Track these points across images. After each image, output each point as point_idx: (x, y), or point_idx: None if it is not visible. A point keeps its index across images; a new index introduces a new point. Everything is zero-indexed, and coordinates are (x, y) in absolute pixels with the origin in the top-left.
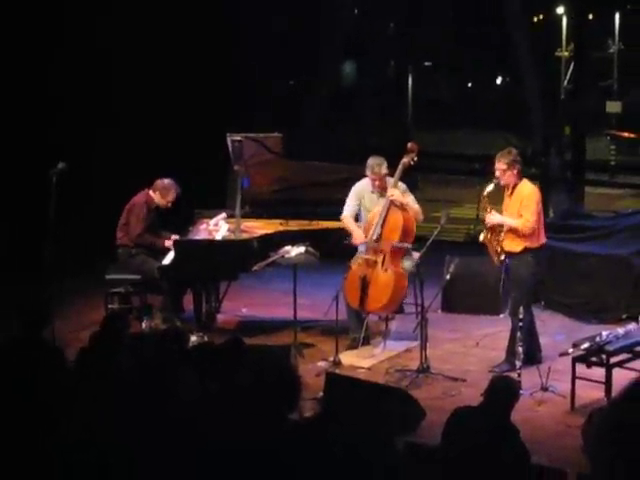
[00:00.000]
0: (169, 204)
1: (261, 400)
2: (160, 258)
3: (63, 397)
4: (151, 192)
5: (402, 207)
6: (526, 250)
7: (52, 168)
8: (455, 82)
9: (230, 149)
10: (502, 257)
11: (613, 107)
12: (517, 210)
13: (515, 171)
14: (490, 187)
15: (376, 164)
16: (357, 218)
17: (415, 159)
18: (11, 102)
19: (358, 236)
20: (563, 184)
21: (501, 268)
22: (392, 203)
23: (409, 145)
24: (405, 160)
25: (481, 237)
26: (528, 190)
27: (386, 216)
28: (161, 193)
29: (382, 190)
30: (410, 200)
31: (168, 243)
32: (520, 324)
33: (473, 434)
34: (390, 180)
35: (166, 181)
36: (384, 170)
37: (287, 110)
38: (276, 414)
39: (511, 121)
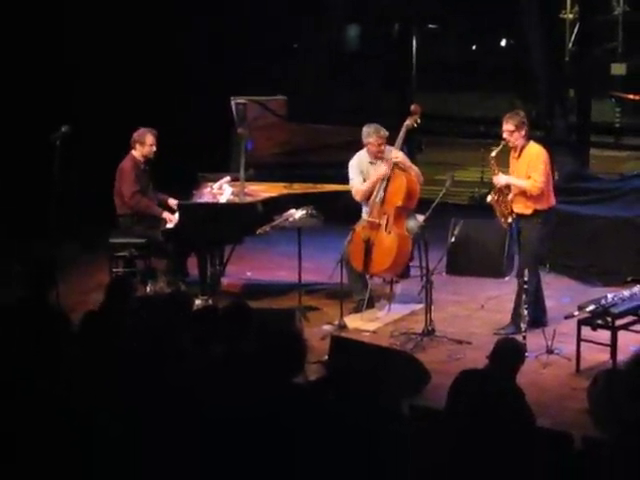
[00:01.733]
0: (152, 148)
1: (265, 364)
2: (163, 224)
3: (67, 362)
4: (133, 151)
5: (405, 169)
6: (536, 212)
7: (55, 131)
8: (459, 45)
9: (234, 112)
10: (510, 220)
11: (618, 69)
12: (525, 172)
13: (523, 132)
14: (498, 149)
15: (378, 128)
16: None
17: (418, 121)
18: (17, 65)
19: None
20: (568, 147)
21: (507, 230)
22: (396, 166)
23: (412, 107)
24: (408, 122)
25: (488, 198)
26: (536, 151)
27: (389, 179)
28: (139, 142)
29: (379, 157)
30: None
31: (165, 215)
32: (525, 286)
33: (478, 397)
34: (390, 147)
35: (138, 131)
36: (373, 138)
37: (287, 73)
38: (280, 378)
39: (515, 84)
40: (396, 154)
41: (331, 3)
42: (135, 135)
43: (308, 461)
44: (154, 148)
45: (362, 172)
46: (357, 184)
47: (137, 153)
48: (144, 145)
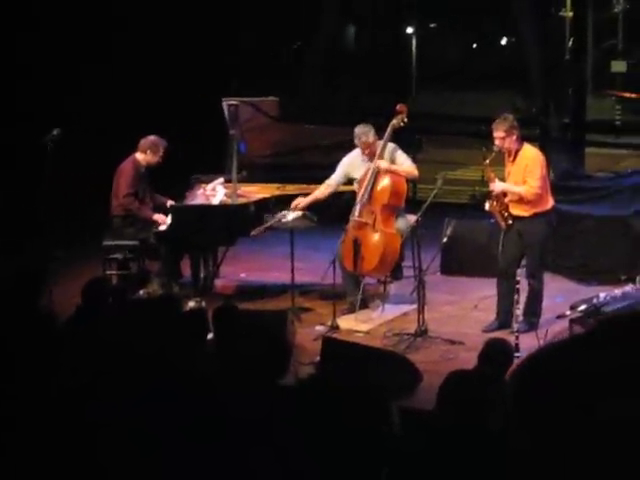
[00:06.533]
0: (160, 160)
1: (250, 366)
2: (155, 226)
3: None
4: (138, 154)
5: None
6: (536, 215)
7: (47, 135)
8: (459, 43)
9: (226, 113)
10: (510, 221)
11: (618, 67)
12: (522, 176)
13: (514, 137)
14: (491, 156)
15: (362, 133)
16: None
17: (405, 120)
18: (10, 67)
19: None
20: (562, 145)
21: (500, 230)
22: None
23: (398, 106)
24: (394, 122)
25: (486, 206)
26: (532, 155)
27: (375, 178)
28: (152, 151)
29: (373, 156)
30: (401, 160)
31: (156, 217)
32: (517, 286)
33: (467, 398)
34: (380, 143)
35: (151, 138)
36: (371, 138)
37: (284, 75)
38: (266, 379)
39: (516, 82)
40: (378, 162)
41: (330, 3)
42: (148, 141)
43: (291, 463)
44: (161, 160)
45: (351, 171)
46: (330, 179)
47: (142, 157)
48: (156, 155)
